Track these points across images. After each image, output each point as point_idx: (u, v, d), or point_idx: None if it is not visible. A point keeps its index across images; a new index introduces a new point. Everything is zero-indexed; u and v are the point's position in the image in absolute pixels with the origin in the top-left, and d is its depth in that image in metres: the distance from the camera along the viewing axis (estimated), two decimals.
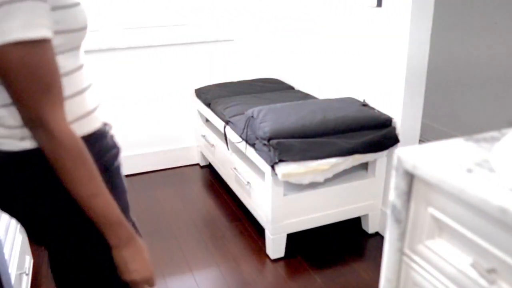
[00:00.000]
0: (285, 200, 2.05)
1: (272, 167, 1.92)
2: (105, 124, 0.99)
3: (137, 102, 3.02)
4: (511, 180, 0.74)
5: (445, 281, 0.85)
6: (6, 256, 1.54)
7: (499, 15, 2.81)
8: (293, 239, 2.28)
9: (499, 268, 0.74)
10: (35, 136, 0.83)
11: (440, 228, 0.86)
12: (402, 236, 0.94)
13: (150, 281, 0.95)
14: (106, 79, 2.90)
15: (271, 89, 2.92)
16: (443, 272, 0.85)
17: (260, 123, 2.02)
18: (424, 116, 3.49)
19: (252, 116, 2.11)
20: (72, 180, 0.83)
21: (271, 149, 1.91)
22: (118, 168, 0.99)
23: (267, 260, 2.15)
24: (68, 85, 0.89)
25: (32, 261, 2.06)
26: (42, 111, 0.79)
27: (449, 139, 0.92)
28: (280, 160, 1.88)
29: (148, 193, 2.85)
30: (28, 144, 0.86)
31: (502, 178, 0.75)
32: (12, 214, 0.95)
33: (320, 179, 1.99)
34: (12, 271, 1.61)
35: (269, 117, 2.04)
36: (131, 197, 2.80)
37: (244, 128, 2.13)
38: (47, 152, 0.82)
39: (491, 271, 0.75)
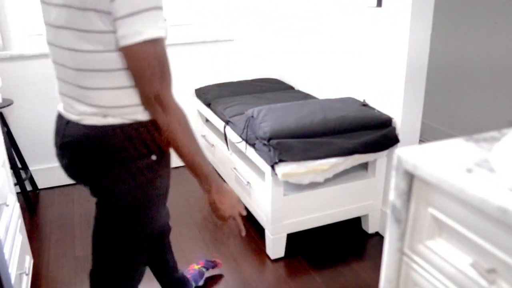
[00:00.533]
0: (285, 200, 2.05)
1: (272, 167, 1.92)
2: None
3: None
4: (511, 180, 0.74)
5: (445, 281, 0.85)
6: (6, 256, 1.54)
7: (499, 15, 2.81)
8: (293, 239, 2.28)
9: (499, 268, 0.74)
10: (152, 111, 1.07)
11: (440, 228, 0.86)
12: (402, 236, 0.94)
13: (235, 218, 1.24)
14: None
15: (271, 89, 2.92)
16: (443, 272, 0.85)
17: (260, 123, 2.02)
18: (424, 116, 3.49)
19: (252, 116, 2.11)
20: (180, 142, 1.09)
21: (271, 149, 1.91)
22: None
23: (267, 260, 2.15)
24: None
25: (32, 261, 2.06)
26: (162, 91, 1.04)
27: (449, 139, 0.92)
28: (280, 160, 1.88)
29: None
30: (110, 120, 1.09)
31: (502, 178, 0.75)
32: (83, 178, 1.17)
33: (320, 179, 1.99)
34: (12, 271, 1.61)
35: (269, 117, 2.04)
36: None
37: (244, 128, 2.13)
38: (162, 122, 1.07)
39: (491, 271, 0.75)
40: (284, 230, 2.11)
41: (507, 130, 0.98)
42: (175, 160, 3.21)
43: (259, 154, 2.03)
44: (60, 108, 1.19)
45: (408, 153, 0.88)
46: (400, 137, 2.11)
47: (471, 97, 3.13)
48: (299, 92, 2.85)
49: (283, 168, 1.90)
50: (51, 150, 2.92)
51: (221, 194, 1.20)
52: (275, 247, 2.12)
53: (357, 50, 2.33)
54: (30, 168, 2.90)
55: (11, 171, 2.40)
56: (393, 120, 2.12)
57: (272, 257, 2.15)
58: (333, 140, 1.97)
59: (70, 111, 1.14)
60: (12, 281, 1.56)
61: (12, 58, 2.67)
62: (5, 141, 2.41)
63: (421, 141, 3.37)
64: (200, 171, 1.16)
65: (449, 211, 0.81)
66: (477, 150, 0.88)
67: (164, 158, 1.18)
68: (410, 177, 0.89)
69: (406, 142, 2.14)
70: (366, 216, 2.31)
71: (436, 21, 3.26)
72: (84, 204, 2.73)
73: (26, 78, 2.73)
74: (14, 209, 1.84)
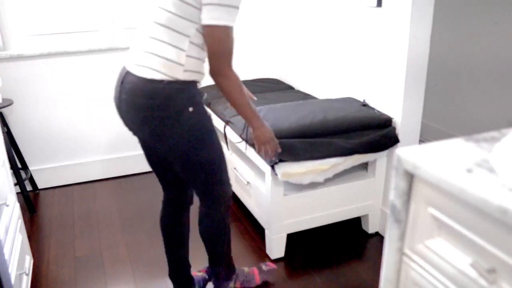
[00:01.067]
0: (285, 200, 2.05)
1: (272, 167, 1.92)
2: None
3: None
4: (511, 180, 0.74)
5: (445, 281, 0.85)
6: (6, 256, 1.54)
7: (499, 15, 2.81)
8: (293, 239, 2.28)
9: (499, 268, 0.74)
10: (218, 78, 1.43)
11: (440, 228, 0.86)
12: (402, 236, 0.94)
13: (269, 143, 1.66)
14: (106, 79, 2.90)
15: (271, 89, 2.92)
16: (443, 272, 0.85)
17: None
18: (424, 116, 3.49)
19: None
20: (237, 99, 1.49)
21: None
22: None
23: (267, 260, 2.15)
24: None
25: (32, 261, 2.06)
26: (227, 64, 1.42)
27: (449, 139, 0.92)
28: (280, 160, 1.88)
29: (148, 193, 2.85)
30: (187, 76, 1.42)
31: (502, 178, 0.75)
32: (136, 125, 1.46)
33: (320, 179, 1.99)
34: (12, 271, 1.61)
35: (269, 117, 2.04)
36: (132, 197, 2.82)
37: (244, 128, 2.13)
38: (224, 88, 1.45)
39: (491, 271, 0.75)
40: (284, 230, 2.11)
41: (507, 130, 0.98)
42: None
43: (259, 154, 2.03)
44: (127, 63, 1.48)
45: (408, 153, 0.88)
46: (400, 137, 2.11)
47: (471, 97, 3.13)
48: (299, 92, 2.85)
49: (283, 168, 1.90)
50: (51, 150, 2.92)
51: (262, 129, 1.63)
52: (275, 247, 2.12)
53: (357, 50, 2.33)
54: (30, 168, 2.90)
55: (11, 171, 2.40)
56: (393, 120, 2.12)
57: (272, 257, 2.15)
58: (333, 140, 1.97)
59: (137, 64, 1.43)
60: (12, 281, 1.56)
61: (12, 58, 2.67)
62: (5, 141, 2.41)
63: (421, 141, 3.37)
64: (251, 116, 1.57)
65: (449, 211, 0.81)
66: (477, 150, 0.88)
67: (198, 110, 1.47)
68: (410, 177, 0.89)
69: (406, 142, 2.14)
70: (366, 216, 2.31)
71: (436, 21, 3.27)
72: (84, 204, 2.73)
73: (26, 78, 2.73)
74: (14, 209, 1.84)
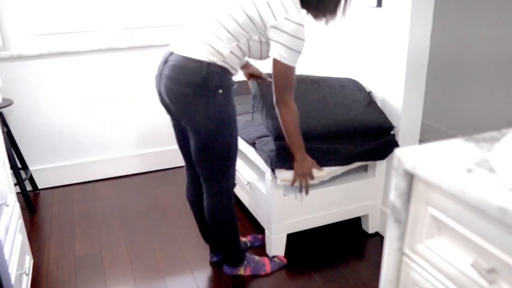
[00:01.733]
0: (285, 200, 2.05)
1: (273, 170, 1.92)
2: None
3: (137, 102, 3.02)
4: (511, 180, 0.74)
5: (445, 281, 0.85)
6: (6, 256, 1.54)
7: (499, 15, 2.81)
8: (293, 239, 2.28)
9: (499, 268, 0.74)
10: (280, 106, 1.69)
11: (440, 228, 0.86)
12: (402, 236, 0.94)
13: (306, 177, 1.85)
14: (106, 79, 2.90)
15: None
16: (443, 272, 0.85)
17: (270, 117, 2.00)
18: (424, 116, 3.49)
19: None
20: (291, 130, 1.72)
21: (272, 154, 1.90)
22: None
23: None
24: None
25: (32, 261, 2.06)
26: (288, 97, 1.67)
27: (449, 139, 0.92)
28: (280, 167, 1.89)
29: (148, 193, 2.85)
30: (223, 64, 1.59)
31: (502, 178, 0.75)
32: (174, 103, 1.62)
33: (316, 181, 2.00)
34: (12, 271, 1.61)
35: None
36: (131, 197, 2.82)
37: (256, 97, 2.07)
38: (284, 115, 1.69)
39: (491, 271, 0.75)
40: (284, 230, 2.11)
41: (507, 130, 0.98)
42: (176, 161, 3.22)
43: (259, 154, 2.03)
44: (173, 47, 1.64)
45: (408, 153, 0.88)
46: (400, 137, 2.11)
47: (471, 97, 3.13)
48: None
49: (283, 174, 1.90)
50: (51, 150, 2.92)
51: (304, 164, 1.81)
52: (275, 247, 2.12)
53: (357, 50, 2.33)
54: (30, 168, 2.90)
55: (11, 171, 2.40)
56: (395, 129, 2.12)
57: (272, 256, 2.15)
58: (334, 147, 1.96)
59: (185, 47, 1.60)
60: (12, 281, 1.56)
61: (12, 58, 2.67)
62: (5, 141, 2.41)
63: (421, 141, 3.37)
64: (298, 147, 1.77)
65: (449, 211, 0.81)
66: (477, 150, 0.88)
67: (227, 95, 1.61)
68: (410, 177, 0.89)
69: (406, 142, 2.14)
70: (366, 216, 2.31)
71: (435, 21, 3.26)
72: (84, 204, 2.73)
73: (26, 78, 2.73)
74: (14, 209, 1.84)
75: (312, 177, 1.86)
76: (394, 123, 2.13)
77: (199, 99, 1.57)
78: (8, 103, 2.53)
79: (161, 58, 1.68)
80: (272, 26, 1.55)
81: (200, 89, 1.56)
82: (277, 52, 1.58)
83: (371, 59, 2.23)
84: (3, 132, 2.44)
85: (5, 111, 2.74)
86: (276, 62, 1.60)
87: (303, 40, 1.58)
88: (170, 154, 3.20)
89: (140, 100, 3.02)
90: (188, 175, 1.95)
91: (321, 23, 1.76)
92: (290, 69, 1.61)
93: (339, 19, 1.71)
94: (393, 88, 2.10)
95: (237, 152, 1.74)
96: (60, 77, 2.80)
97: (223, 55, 1.58)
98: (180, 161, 3.23)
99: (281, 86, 1.64)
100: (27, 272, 1.85)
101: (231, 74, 1.64)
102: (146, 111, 3.05)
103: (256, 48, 1.63)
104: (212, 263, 2.14)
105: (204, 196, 1.82)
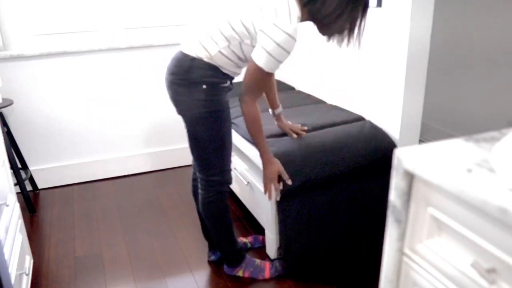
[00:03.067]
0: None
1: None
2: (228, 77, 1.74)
3: (137, 102, 3.02)
4: (511, 180, 0.74)
5: (445, 281, 0.85)
6: (6, 256, 1.54)
7: (499, 14, 2.81)
8: None
9: (499, 268, 0.74)
10: (240, 103, 1.68)
11: (440, 228, 0.86)
12: (402, 236, 0.94)
13: (273, 180, 1.82)
14: (106, 79, 2.90)
15: None
16: (443, 272, 0.85)
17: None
18: (424, 116, 3.49)
19: None
20: (250, 130, 1.72)
21: None
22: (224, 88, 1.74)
23: (267, 260, 2.14)
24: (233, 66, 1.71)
25: (32, 261, 2.06)
26: (249, 95, 1.66)
27: (449, 139, 0.92)
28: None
29: (148, 193, 2.85)
30: (210, 61, 1.65)
31: (502, 178, 0.75)
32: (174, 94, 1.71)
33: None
34: (12, 271, 1.61)
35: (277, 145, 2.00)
36: (131, 197, 2.81)
37: None
38: (242, 112, 1.69)
39: (491, 271, 0.75)
40: None
41: (507, 130, 0.98)
42: (176, 161, 3.22)
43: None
44: (181, 45, 1.73)
45: (408, 153, 0.87)
46: (400, 137, 2.12)
47: (471, 97, 3.13)
48: (299, 92, 2.85)
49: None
50: (51, 150, 2.92)
51: (267, 166, 1.81)
52: (275, 247, 2.12)
53: (356, 50, 2.33)
54: (30, 168, 2.90)
55: (11, 171, 2.40)
56: (395, 129, 2.12)
57: (272, 257, 2.15)
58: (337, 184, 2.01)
59: (186, 45, 1.69)
60: (12, 281, 1.56)
61: (12, 58, 2.67)
62: (5, 141, 2.41)
63: (421, 141, 3.37)
64: (260, 148, 1.77)
65: (449, 211, 0.81)
66: (477, 150, 0.88)
67: (212, 91, 1.67)
68: (410, 177, 0.89)
69: (406, 142, 2.14)
70: None
71: (435, 21, 3.26)
72: (84, 204, 2.73)
73: (26, 78, 2.73)
74: (14, 209, 1.84)
75: (276, 184, 1.83)
76: (394, 123, 2.13)
77: (182, 89, 1.67)
78: (8, 103, 2.53)
79: (173, 53, 1.86)
80: (260, 30, 1.55)
81: (182, 80, 1.66)
82: (256, 54, 1.57)
83: (371, 59, 2.23)
84: (3, 132, 2.44)
85: (5, 111, 2.74)
86: (251, 63, 1.60)
87: (288, 52, 1.55)
88: (170, 154, 3.20)
89: (140, 100, 3.02)
90: (193, 167, 2.00)
91: (334, 43, 1.76)
92: (265, 74, 1.60)
93: (352, 44, 1.66)
94: (393, 88, 2.10)
95: (228, 150, 1.77)
96: (60, 77, 2.80)
97: (210, 53, 1.63)
98: (180, 161, 3.23)
99: (249, 86, 1.64)
100: (27, 272, 1.85)
101: (221, 73, 1.68)
102: (146, 111, 3.05)
103: (249, 52, 1.66)
104: (211, 263, 2.14)
105: (199, 191, 1.87)
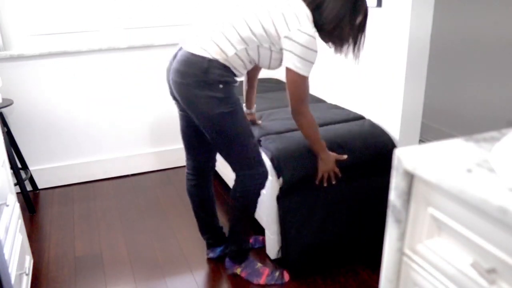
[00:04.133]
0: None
1: (278, 175, 1.94)
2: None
3: (137, 102, 3.02)
4: (511, 180, 0.74)
5: (445, 281, 0.85)
6: (6, 256, 1.54)
7: (499, 14, 2.81)
8: None
9: (499, 268, 0.74)
10: (296, 117, 1.76)
11: (440, 228, 0.86)
12: (402, 236, 0.94)
13: (330, 172, 1.92)
14: (106, 79, 2.90)
15: (272, 89, 2.92)
16: (443, 272, 0.85)
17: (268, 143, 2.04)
18: (424, 116, 3.49)
19: (259, 141, 2.10)
20: (311, 136, 1.81)
21: (277, 164, 1.93)
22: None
23: (267, 260, 2.15)
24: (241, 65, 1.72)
25: (32, 261, 2.06)
26: (302, 106, 1.74)
27: (449, 139, 0.92)
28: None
29: (148, 193, 2.85)
30: (225, 63, 1.66)
31: (502, 178, 0.75)
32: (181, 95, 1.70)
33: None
34: (12, 271, 1.61)
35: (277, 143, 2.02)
36: (131, 197, 2.81)
37: None
38: (303, 124, 1.77)
39: (491, 271, 0.75)
40: None
41: (507, 130, 0.98)
42: (175, 161, 3.22)
43: (264, 152, 2.03)
44: (183, 43, 1.72)
45: (408, 153, 0.88)
46: (400, 137, 2.12)
47: (471, 97, 3.13)
48: None
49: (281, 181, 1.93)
50: (51, 150, 2.92)
51: (327, 161, 1.89)
52: (275, 247, 2.12)
53: (355, 64, 2.33)
54: (30, 168, 2.90)
55: (11, 171, 2.40)
56: (395, 129, 2.12)
57: (272, 257, 2.15)
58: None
59: (194, 44, 1.67)
60: (12, 281, 1.56)
61: (12, 58, 2.67)
62: (5, 141, 2.41)
63: (421, 141, 3.37)
64: (320, 149, 1.86)
65: (449, 211, 0.81)
66: (477, 150, 0.88)
67: (228, 89, 1.68)
68: (410, 177, 0.89)
69: (406, 142, 2.14)
70: None
71: (435, 21, 3.26)
72: (84, 204, 2.73)
73: (26, 78, 2.73)
74: (14, 209, 1.84)
75: (336, 171, 1.93)
76: (394, 122, 2.13)
77: (201, 91, 1.65)
78: (8, 103, 2.53)
79: (172, 53, 1.79)
80: (285, 36, 1.61)
81: (201, 81, 1.64)
82: (291, 62, 1.63)
83: (371, 59, 2.23)
84: (3, 132, 2.44)
85: (5, 111, 2.74)
86: (289, 72, 1.65)
87: (315, 51, 1.63)
88: (170, 154, 3.20)
89: (140, 100, 3.02)
90: (187, 165, 2.00)
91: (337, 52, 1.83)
92: (303, 78, 1.66)
93: (351, 55, 1.75)
94: (393, 88, 2.10)
95: (254, 143, 1.79)
96: (60, 77, 2.80)
97: (227, 55, 1.64)
98: (180, 161, 3.23)
99: (296, 96, 1.70)
100: (27, 272, 1.85)
101: (232, 73, 1.70)
102: (146, 111, 3.05)
103: (265, 56, 1.69)
104: (211, 262, 2.14)
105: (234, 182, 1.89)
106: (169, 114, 3.11)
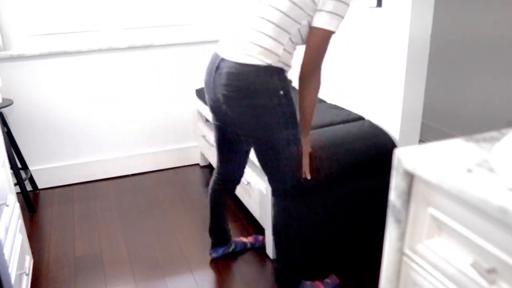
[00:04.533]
0: None
1: None
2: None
3: (137, 102, 3.02)
4: (511, 180, 0.74)
5: (445, 281, 0.85)
6: (6, 256, 1.54)
7: (499, 14, 2.81)
8: None
9: (499, 268, 0.74)
10: (308, 77, 1.57)
11: (440, 228, 0.86)
12: (402, 236, 0.94)
13: (304, 157, 1.72)
14: (106, 79, 2.90)
15: None
16: (443, 272, 0.85)
17: None
18: (424, 116, 3.49)
19: None
20: (313, 102, 1.62)
21: None
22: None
23: (267, 260, 2.15)
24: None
25: (32, 261, 2.06)
26: (319, 65, 1.57)
27: (449, 139, 0.92)
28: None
29: (148, 193, 2.85)
30: (279, 65, 1.54)
31: (502, 178, 0.75)
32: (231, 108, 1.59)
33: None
34: (12, 271, 1.61)
35: None
36: (131, 197, 2.81)
37: None
38: (311, 86, 1.59)
39: (491, 271, 0.75)
40: None
41: (507, 130, 0.98)
42: (175, 161, 3.22)
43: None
44: (221, 51, 1.60)
45: (408, 153, 0.88)
46: (400, 137, 2.11)
47: (471, 97, 3.13)
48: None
49: None
50: (51, 150, 2.92)
51: (307, 144, 1.72)
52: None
53: (357, 50, 2.33)
54: (30, 168, 2.90)
55: (11, 171, 2.40)
56: (395, 129, 2.12)
57: (272, 257, 2.15)
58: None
59: (234, 51, 1.55)
60: (12, 281, 1.56)
61: (12, 58, 2.67)
62: (5, 141, 2.41)
63: (421, 141, 3.37)
64: (310, 123, 1.68)
65: (449, 211, 0.81)
66: (477, 150, 0.88)
67: (288, 95, 1.59)
68: (410, 177, 0.89)
69: (406, 142, 2.14)
70: None
71: (435, 21, 3.26)
72: (84, 204, 2.73)
73: (26, 78, 2.73)
74: (14, 209, 1.84)
75: (310, 155, 1.79)
76: (394, 123, 2.13)
77: (259, 101, 1.54)
78: (8, 103, 2.53)
79: (210, 63, 1.65)
80: None
81: (259, 92, 1.53)
82: (321, 20, 1.49)
83: (371, 59, 2.23)
84: (3, 132, 2.44)
85: (5, 111, 2.74)
86: (317, 31, 1.51)
87: (348, 4, 1.50)
88: (170, 154, 3.20)
89: (140, 100, 3.02)
90: (218, 171, 1.97)
91: None
92: (330, 35, 1.52)
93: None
94: (393, 88, 2.10)
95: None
96: (60, 77, 2.80)
97: (278, 54, 1.53)
98: (180, 161, 3.23)
99: (317, 55, 1.54)
100: (27, 272, 1.85)
101: (286, 72, 1.60)
102: (146, 111, 3.05)
103: (306, 34, 1.56)
104: (211, 262, 2.14)
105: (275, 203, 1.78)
106: (169, 114, 3.11)
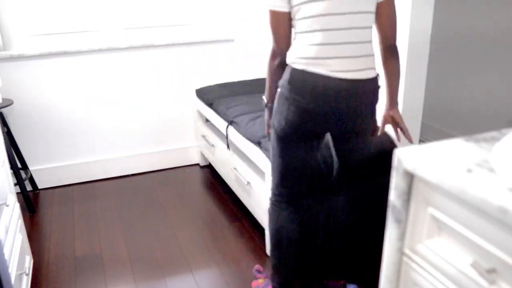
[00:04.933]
0: None
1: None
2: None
3: (137, 102, 3.02)
4: (511, 180, 0.74)
5: (445, 281, 0.85)
6: (6, 256, 1.54)
7: (499, 13, 2.81)
8: None
9: (499, 268, 0.74)
10: (395, 49, 1.57)
11: (440, 228, 0.86)
12: (402, 236, 0.94)
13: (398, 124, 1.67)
14: (106, 79, 2.90)
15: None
16: (443, 272, 0.85)
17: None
18: (424, 116, 3.49)
19: None
20: (399, 73, 1.59)
21: None
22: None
23: (267, 260, 2.15)
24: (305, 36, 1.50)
25: (32, 261, 2.06)
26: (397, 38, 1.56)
27: (449, 139, 0.92)
28: None
29: (148, 193, 2.85)
30: (371, 73, 1.53)
31: (502, 178, 0.75)
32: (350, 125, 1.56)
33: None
34: (12, 271, 1.61)
35: None
36: (131, 197, 2.81)
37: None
38: (397, 60, 1.57)
39: (491, 271, 0.75)
40: None
41: (507, 130, 0.98)
42: (175, 161, 3.22)
43: (265, 154, 2.03)
44: (326, 71, 1.46)
45: (408, 153, 0.87)
46: (400, 137, 2.11)
47: (471, 97, 3.13)
48: None
49: None
50: (51, 150, 2.92)
51: (395, 111, 1.66)
52: None
53: None
54: (30, 168, 2.90)
55: (11, 171, 2.40)
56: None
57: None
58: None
59: (345, 69, 1.46)
60: (12, 281, 1.56)
61: (12, 58, 2.67)
62: (5, 141, 2.41)
63: (421, 141, 3.37)
64: (397, 93, 1.63)
65: (449, 211, 0.81)
66: (477, 150, 0.88)
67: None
68: (410, 177, 0.89)
69: (406, 142, 2.14)
70: None
71: (435, 20, 3.26)
72: (84, 204, 2.73)
73: (26, 78, 2.73)
74: (14, 209, 1.84)
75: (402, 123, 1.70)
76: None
77: (373, 109, 1.59)
78: (8, 103, 2.53)
79: (311, 85, 1.47)
80: None
81: (371, 104, 1.57)
82: None
83: None
84: (3, 132, 2.44)
85: (5, 111, 2.74)
86: (390, 3, 1.49)
87: None
88: (170, 154, 3.20)
89: (140, 100, 3.02)
90: (279, 194, 1.75)
91: None
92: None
93: None
94: None
95: None
96: (60, 77, 2.80)
97: (373, 55, 1.54)
98: (180, 161, 3.23)
99: (395, 26, 1.54)
100: (27, 272, 1.85)
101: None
102: (146, 111, 3.05)
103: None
104: (211, 262, 2.14)
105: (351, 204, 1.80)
106: (169, 114, 3.11)
